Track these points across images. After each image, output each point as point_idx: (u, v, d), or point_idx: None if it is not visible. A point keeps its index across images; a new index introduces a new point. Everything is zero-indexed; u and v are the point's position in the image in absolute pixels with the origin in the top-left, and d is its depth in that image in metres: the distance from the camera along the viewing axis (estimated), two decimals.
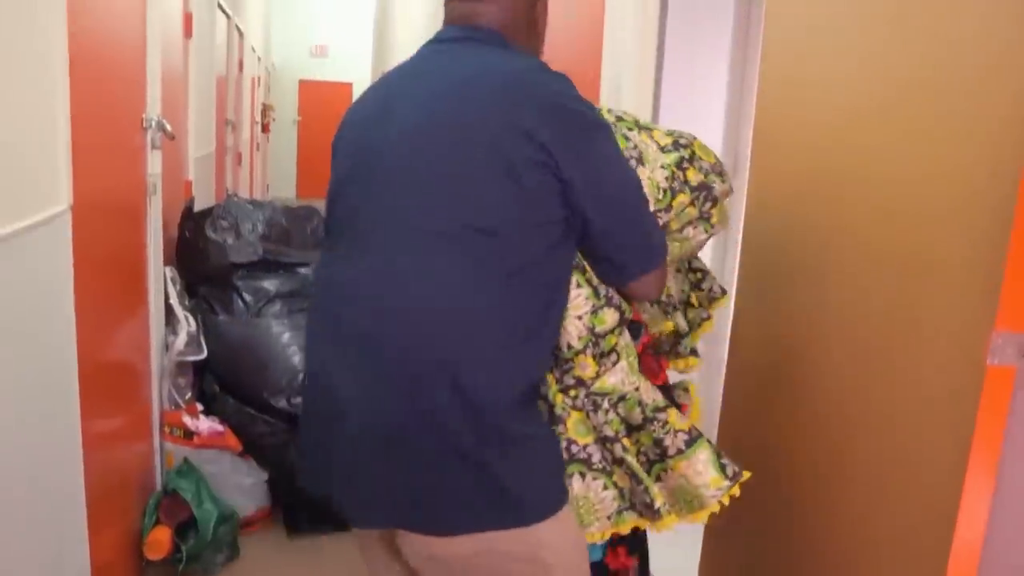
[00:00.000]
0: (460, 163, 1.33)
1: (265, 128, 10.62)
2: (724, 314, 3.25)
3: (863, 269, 1.56)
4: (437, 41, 1.49)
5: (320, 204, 2.32)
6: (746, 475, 1.49)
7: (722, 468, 1.48)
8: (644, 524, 1.51)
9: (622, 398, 1.47)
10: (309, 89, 14.16)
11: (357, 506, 1.44)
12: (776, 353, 1.87)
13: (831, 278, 1.67)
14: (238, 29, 6.67)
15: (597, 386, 1.45)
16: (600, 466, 1.46)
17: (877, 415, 1.50)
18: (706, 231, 1.59)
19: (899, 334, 1.44)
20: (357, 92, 3.91)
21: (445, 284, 1.31)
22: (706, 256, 3.24)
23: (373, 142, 1.42)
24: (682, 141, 1.57)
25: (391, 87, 1.50)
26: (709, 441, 1.50)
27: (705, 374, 3.39)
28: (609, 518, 1.48)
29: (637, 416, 1.48)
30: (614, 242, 1.40)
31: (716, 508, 1.48)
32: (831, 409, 1.65)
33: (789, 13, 1.87)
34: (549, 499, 1.38)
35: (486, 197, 1.31)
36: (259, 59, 9.49)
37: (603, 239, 1.39)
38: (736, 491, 1.48)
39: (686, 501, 1.49)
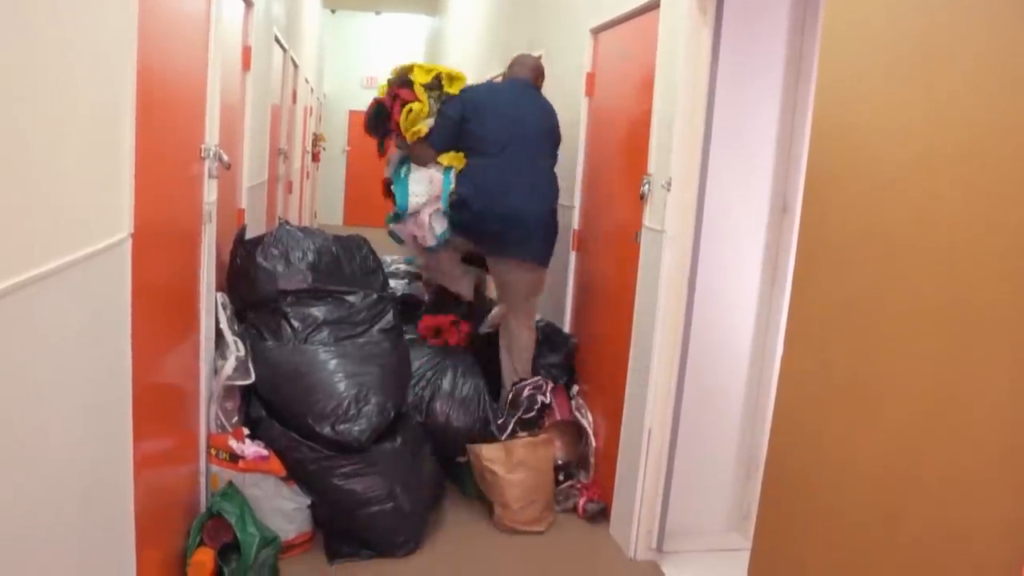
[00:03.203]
0: (547, 136, 3.86)
1: (315, 157, 10.80)
2: (767, 378, 3.21)
3: (917, 322, 1.54)
4: (525, 83, 3.97)
5: (367, 231, 2.70)
6: None
7: None
8: None
9: None
10: (359, 119, 14.32)
11: (518, 252, 3.79)
12: (825, 410, 1.85)
13: (883, 331, 1.65)
14: (293, 61, 6.82)
15: None
16: None
17: (932, 474, 1.48)
18: None
19: (956, 389, 1.43)
20: None
21: (549, 178, 3.82)
22: (752, 304, 3.24)
23: (516, 121, 3.76)
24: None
25: (510, 93, 3.94)
26: None
27: (748, 436, 3.36)
28: None
29: None
30: None
31: None
32: (882, 471, 1.63)
33: (842, 59, 1.87)
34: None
35: (552, 148, 3.89)
36: (311, 90, 9.68)
37: None
38: None
39: None
